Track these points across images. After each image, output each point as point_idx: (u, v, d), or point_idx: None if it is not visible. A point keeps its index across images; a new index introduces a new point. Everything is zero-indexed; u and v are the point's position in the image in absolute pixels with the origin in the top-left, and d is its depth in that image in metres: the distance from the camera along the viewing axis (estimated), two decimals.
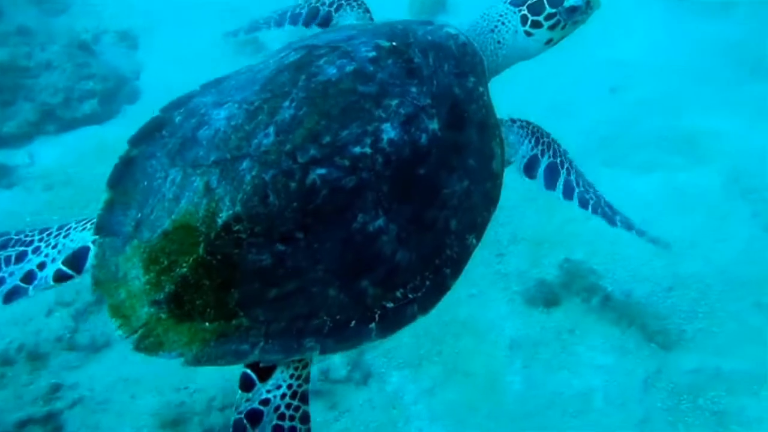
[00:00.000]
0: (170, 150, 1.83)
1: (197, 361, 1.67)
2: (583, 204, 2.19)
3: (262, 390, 1.77)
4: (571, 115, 5.77)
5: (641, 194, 4.90)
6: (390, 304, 1.81)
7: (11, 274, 1.89)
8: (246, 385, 1.77)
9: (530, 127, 2.24)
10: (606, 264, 4.41)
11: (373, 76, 1.84)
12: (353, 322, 1.77)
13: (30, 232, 1.98)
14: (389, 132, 1.77)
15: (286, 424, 1.77)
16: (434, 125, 1.85)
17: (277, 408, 1.77)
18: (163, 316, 1.67)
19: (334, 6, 2.42)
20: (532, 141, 2.22)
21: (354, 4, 2.40)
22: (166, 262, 1.68)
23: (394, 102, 1.81)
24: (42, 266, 1.87)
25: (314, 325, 1.74)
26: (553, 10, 2.18)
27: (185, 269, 1.66)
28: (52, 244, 1.92)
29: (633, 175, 5.15)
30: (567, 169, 2.25)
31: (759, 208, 4.75)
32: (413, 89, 1.87)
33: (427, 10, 6.23)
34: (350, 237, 1.73)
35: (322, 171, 1.69)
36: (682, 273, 4.32)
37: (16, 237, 1.98)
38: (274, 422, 1.76)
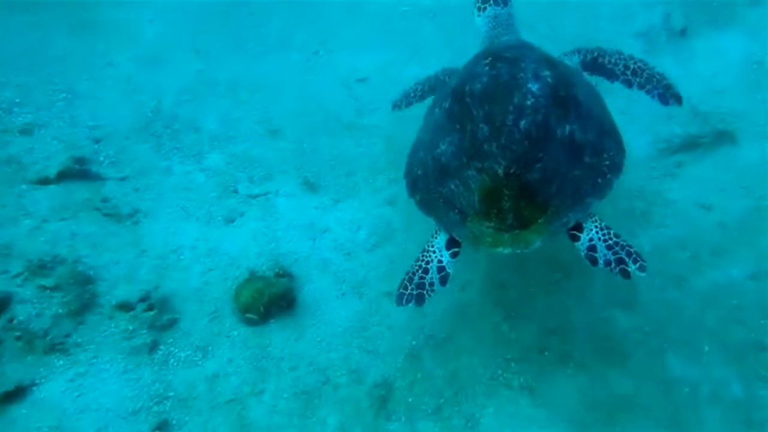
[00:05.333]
0: (434, 179, 3.22)
1: (551, 237, 3.08)
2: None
3: (585, 238, 3.13)
4: None
5: None
6: (606, 162, 3.14)
7: (431, 278, 3.28)
8: (574, 238, 3.17)
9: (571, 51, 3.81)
10: None
11: (500, 72, 3.17)
12: (599, 179, 3.09)
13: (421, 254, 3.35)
14: (533, 84, 3.08)
15: (610, 242, 3.11)
16: (546, 72, 3.16)
17: (600, 239, 3.11)
18: (516, 232, 3.01)
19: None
20: (577, 55, 3.78)
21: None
22: (495, 210, 3.00)
23: (520, 74, 3.12)
24: (440, 262, 3.28)
25: (584, 191, 3.05)
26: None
27: (509, 203, 2.96)
28: (432, 251, 3.33)
29: None
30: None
31: None
32: (523, 65, 3.18)
33: None
34: (562, 141, 3.04)
35: (523, 121, 2.98)
36: None
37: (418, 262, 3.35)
38: (607, 251, 3.09)
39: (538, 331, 4.00)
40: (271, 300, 3.97)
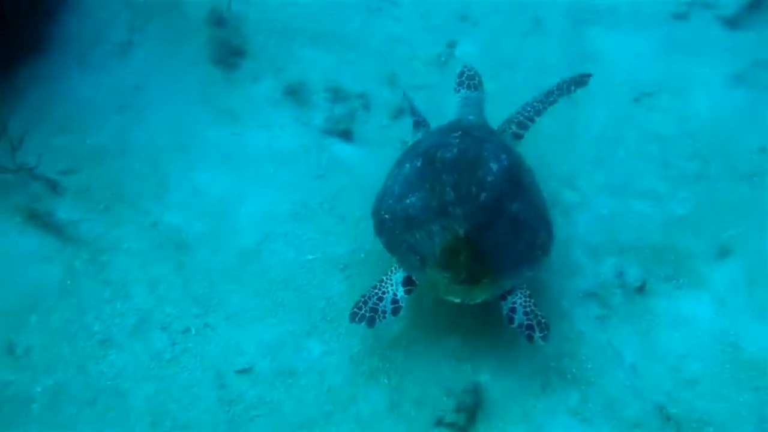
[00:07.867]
0: (401, 226, 3.85)
1: (492, 297, 3.71)
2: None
3: (510, 300, 3.79)
4: None
5: None
6: (539, 240, 3.83)
7: (384, 306, 3.83)
8: (502, 298, 3.81)
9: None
10: None
11: (468, 147, 3.92)
12: (532, 254, 3.79)
13: (379, 283, 3.92)
14: (493, 164, 3.82)
15: (528, 309, 3.79)
16: (503, 156, 3.91)
17: (521, 305, 3.78)
18: (467, 286, 3.63)
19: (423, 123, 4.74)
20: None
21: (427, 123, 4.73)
22: (453, 264, 3.61)
23: (484, 153, 3.87)
24: (395, 295, 3.84)
25: (521, 262, 3.75)
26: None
27: (465, 261, 3.59)
28: (390, 284, 3.89)
29: None
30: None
31: None
32: (486, 145, 3.96)
33: None
34: (509, 216, 3.72)
35: (483, 194, 3.68)
36: None
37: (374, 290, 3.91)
38: (523, 316, 3.75)
39: None
40: None
